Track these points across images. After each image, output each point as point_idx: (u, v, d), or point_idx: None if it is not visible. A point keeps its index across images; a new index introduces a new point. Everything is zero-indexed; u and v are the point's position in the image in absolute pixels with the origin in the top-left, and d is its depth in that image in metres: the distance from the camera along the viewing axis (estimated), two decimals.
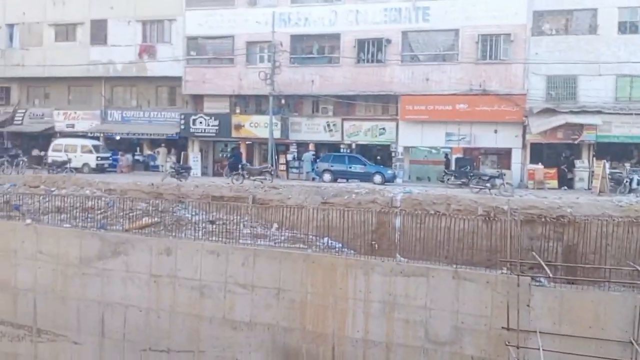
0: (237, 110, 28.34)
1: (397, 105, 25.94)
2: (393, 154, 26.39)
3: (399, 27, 25.69)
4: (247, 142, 28.26)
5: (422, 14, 25.40)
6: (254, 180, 20.71)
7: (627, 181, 19.80)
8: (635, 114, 22.64)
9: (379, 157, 27.01)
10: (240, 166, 22.50)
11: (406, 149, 26.30)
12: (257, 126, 27.22)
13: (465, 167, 22.73)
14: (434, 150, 27.00)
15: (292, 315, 12.30)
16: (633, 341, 9.49)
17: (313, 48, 27.39)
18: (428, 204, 15.46)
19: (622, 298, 10.00)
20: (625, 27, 23.37)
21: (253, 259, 12.76)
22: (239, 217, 15.06)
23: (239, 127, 27.45)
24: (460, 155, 24.98)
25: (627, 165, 22.53)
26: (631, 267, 10.59)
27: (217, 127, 27.78)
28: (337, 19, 26.48)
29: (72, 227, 14.91)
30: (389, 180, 23.33)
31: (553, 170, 23.16)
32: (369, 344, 11.63)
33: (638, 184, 19.83)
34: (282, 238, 14.40)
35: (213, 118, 27.89)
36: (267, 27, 26.40)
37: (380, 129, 26.44)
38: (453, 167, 23.97)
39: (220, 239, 13.84)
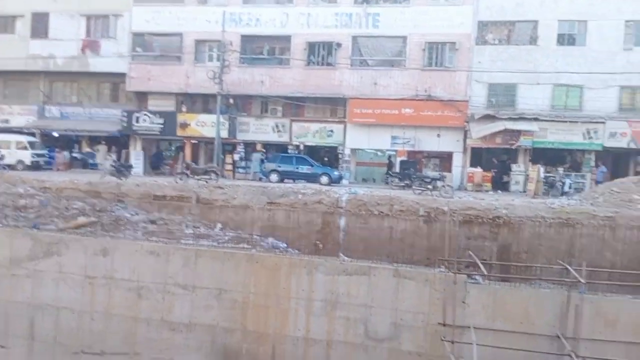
0: (183, 109, 27.80)
1: (346, 108, 26.23)
2: (340, 156, 26.66)
3: (350, 32, 26.02)
4: (192, 141, 27.75)
5: (372, 20, 25.82)
6: (199, 179, 20.36)
7: (559, 185, 20.88)
8: (570, 122, 23.90)
9: (326, 159, 27.20)
10: (185, 164, 22.13)
11: (353, 151, 26.63)
12: (204, 125, 26.81)
13: (409, 169, 23.25)
14: (379, 153, 27.47)
15: (233, 315, 12.10)
16: (560, 335, 9.92)
17: (263, 49, 27.30)
18: (372, 205, 15.62)
19: (551, 295, 10.43)
20: (563, 39, 24.59)
21: (195, 259, 12.45)
22: (181, 217, 14.75)
23: (184, 125, 26.95)
24: (404, 158, 25.51)
25: (560, 169, 23.76)
26: (561, 265, 11.06)
27: (161, 125, 27.13)
28: (288, 21, 26.51)
29: (2, 227, 14.13)
30: (335, 181, 23.52)
31: (490, 174, 24.02)
32: (310, 342, 11.59)
33: (570, 188, 20.98)
34: (226, 238, 14.23)
35: (158, 116, 27.24)
36: (217, 26, 26.09)
37: (328, 130, 26.64)
38: (397, 170, 24.45)
39: (161, 239, 13.49)
